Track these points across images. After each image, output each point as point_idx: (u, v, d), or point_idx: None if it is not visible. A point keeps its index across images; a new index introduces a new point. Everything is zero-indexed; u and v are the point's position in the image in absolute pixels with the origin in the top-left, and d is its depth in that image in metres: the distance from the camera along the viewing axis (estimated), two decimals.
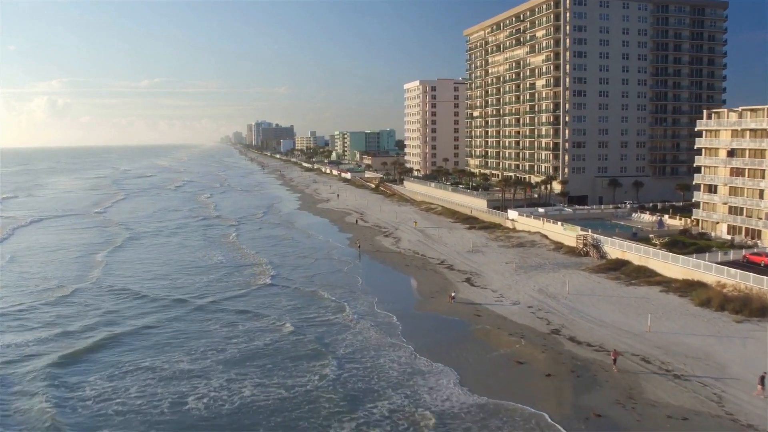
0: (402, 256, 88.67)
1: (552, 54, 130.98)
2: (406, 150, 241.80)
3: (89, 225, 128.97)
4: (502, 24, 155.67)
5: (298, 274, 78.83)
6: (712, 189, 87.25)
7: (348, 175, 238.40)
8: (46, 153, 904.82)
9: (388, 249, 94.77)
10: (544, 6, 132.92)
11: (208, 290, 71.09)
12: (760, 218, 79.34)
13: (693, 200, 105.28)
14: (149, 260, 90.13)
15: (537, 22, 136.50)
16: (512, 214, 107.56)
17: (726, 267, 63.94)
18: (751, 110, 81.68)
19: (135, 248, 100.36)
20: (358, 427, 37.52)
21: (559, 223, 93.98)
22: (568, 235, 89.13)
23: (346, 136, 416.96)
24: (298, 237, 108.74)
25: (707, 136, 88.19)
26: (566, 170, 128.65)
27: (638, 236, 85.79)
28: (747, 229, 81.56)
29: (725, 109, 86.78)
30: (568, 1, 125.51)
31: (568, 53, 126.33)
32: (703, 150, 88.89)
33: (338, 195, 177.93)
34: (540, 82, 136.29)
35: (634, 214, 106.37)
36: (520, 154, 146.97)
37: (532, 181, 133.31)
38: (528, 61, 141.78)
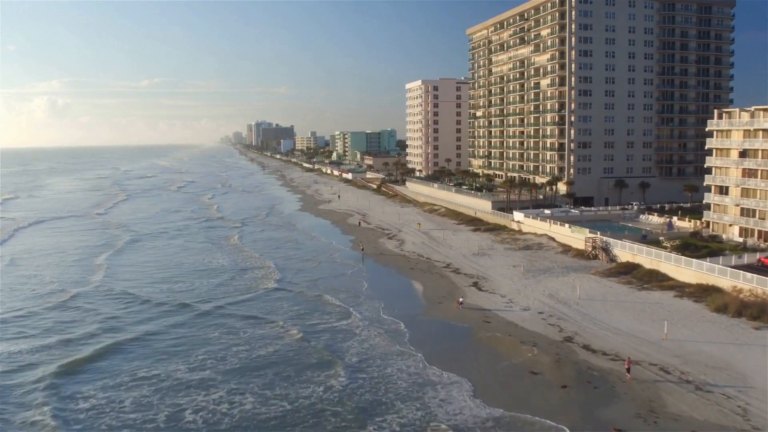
0: (406, 259, 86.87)
1: (557, 53, 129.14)
2: (407, 150, 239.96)
3: (90, 227, 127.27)
4: (505, 23, 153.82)
5: (301, 277, 77.05)
6: (723, 190, 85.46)
7: (349, 176, 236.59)
8: (46, 153, 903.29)
9: (392, 252, 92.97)
10: (549, 4, 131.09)
11: (210, 294, 69.33)
12: None
13: (703, 202, 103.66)
14: (151, 263, 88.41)
15: (542, 20, 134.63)
16: (518, 215, 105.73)
17: (741, 271, 62.13)
18: (765, 110, 79.89)
19: (137, 251, 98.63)
20: None
21: (567, 225, 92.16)
22: (576, 237, 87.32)
23: (346, 136, 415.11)
24: (300, 239, 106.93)
25: (718, 136, 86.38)
26: (572, 171, 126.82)
27: (648, 239, 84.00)
28: (760, 232, 79.78)
29: (737, 109, 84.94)
30: (573, 0, 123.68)
31: (573, 52, 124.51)
32: (714, 150, 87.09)
33: (339, 196, 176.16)
34: (545, 82, 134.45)
35: (641, 216, 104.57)
36: (524, 154, 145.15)
37: (537, 182, 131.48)
38: (532, 61, 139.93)
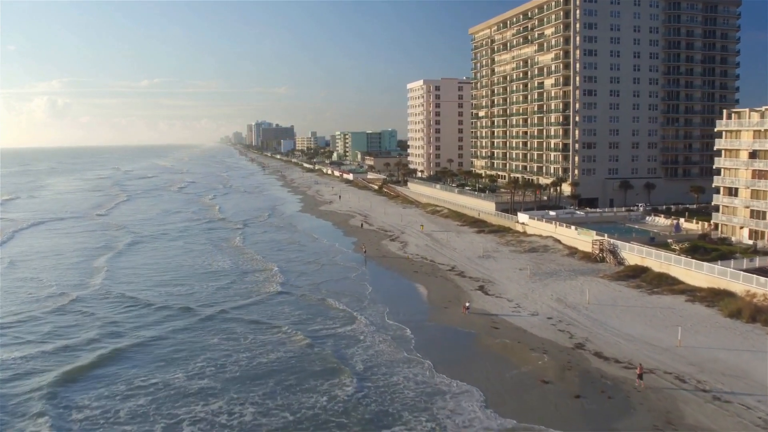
0: (410, 262, 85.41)
1: (561, 52, 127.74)
2: (409, 151, 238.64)
3: (91, 228, 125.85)
4: (509, 22, 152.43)
5: (304, 281, 75.59)
6: (732, 192, 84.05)
7: (350, 176, 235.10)
8: (46, 153, 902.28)
9: (395, 254, 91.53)
10: (553, 3, 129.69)
11: (212, 298, 67.83)
12: None
13: (711, 203, 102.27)
14: (152, 265, 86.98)
15: (546, 19, 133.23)
16: (522, 217, 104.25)
17: (755, 275, 60.63)
18: None
19: (138, 253, 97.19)
20: None
21: (573, 227, 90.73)
22: (582, 239, 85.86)
23: (347, 136, 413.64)
24: (302, 241, 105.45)
25: (727, 137, 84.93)
26: (576, 172, 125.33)
27: (656, 241, 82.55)
28: None
29: (746, 109, 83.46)
30: None
31: (578, 51, 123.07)
32: (723, 151, 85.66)
33: (340, 197, 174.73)
34: (549, 81, 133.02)
35: (648, 218, 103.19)
36: (528, 155, 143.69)
37: (541, 183, 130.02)
38: (536, 60, 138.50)
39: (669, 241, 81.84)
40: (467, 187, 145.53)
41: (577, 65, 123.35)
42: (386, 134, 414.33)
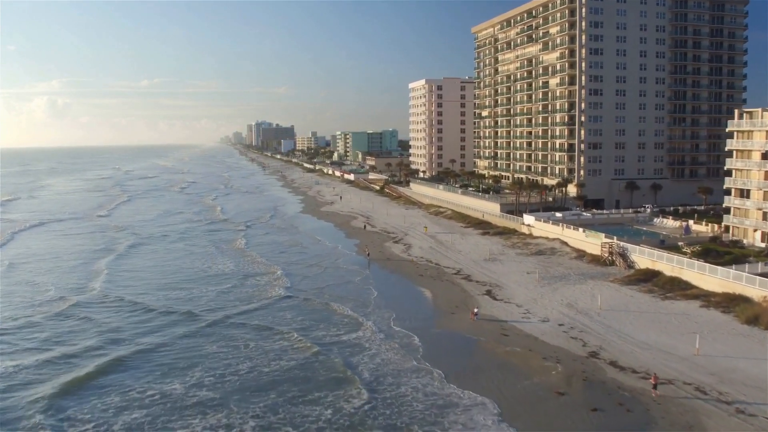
0: (415, 265, 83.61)
1: (567, 51, 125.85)
2: (411, 151, 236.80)
3: (92, 229, 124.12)
4: (512, 20, 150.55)
5: (307, 284, 73.82)
6: (744, 193, 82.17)
7: (351, 177, 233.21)
8: (46, 153, 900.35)
9: (399, 257, 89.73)
10: (558, 2, 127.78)
11: (214, 303, 65.98)
12: None
13: (720, 204, 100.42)
14: (154, 268, 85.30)
15: (551, 18, 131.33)
16: (528, 218, 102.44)
17: None
18: None
19: (140, 255, 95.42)
20: None
21: (581, 229, 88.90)
22: (590, 242, 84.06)
23: (347, 136, 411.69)
24: (304, 243, 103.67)
25: (739, 137, 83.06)
26: (582, 172, 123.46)
27: (666, 244, 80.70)
28: None
29: (759, 109, 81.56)
30: None
31: (583, 50, 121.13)
32: (735, 152, 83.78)
33: (342, 197, 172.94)
34: (554, 81, 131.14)
35: (656, 219, 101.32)
36: (532, 155, 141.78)
37: (546, 184, 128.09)
38: (541, 59, 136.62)
39: (680, 244, 80.00)
40: (471, 188, 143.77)
41: (583, 64, 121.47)
42: (387, 134, 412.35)
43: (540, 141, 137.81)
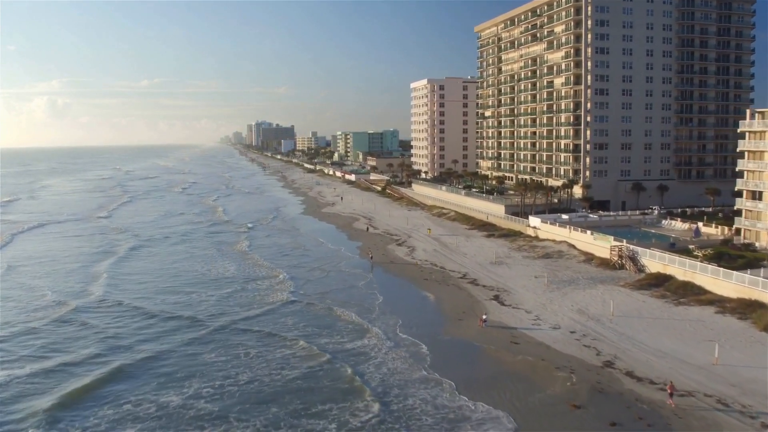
0: (419, 269, 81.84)
1: (572, 50, 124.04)
2: (412, 151, 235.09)
3: (92, 231, 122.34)
4: (516, 19, 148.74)
5: (310, 289, 72.05)
6: (756, 195, 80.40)
7: (352, 177, 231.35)
8: (46, 153, 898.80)
9: (403, 260, 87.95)
10: (564, 0, 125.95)
11: (215, 309, 64.19)
12: None
13: (728, 206, 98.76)
14: (156, 271, 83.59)
15: (555, 16, 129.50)
16: (534, 221, 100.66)
17: None
18: None
19: (140, 258, 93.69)
20: None
21: (588, 231, 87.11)
22: (599, 245, 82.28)
23: (348, 136, 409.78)
24: (307, 245, 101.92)
25: (751, 138, 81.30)
26: (588, 173, 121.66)
27: (676, 247, 78.91)
28: None
29: None
30: None
31: (589, 49, 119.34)
32: (746, 153, 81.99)
33: (342, 198, 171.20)
34: (559, 80, 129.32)
35: (664, 221, 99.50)
36: (537, 155, 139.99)
37: (550, 185, 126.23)
38: (545, 58, 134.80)
39: (690, 247, 78.25)
40: (474, 189, 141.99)
41: (589, 63, 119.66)
42: (388, 134, 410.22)
43: (545, 141, 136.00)
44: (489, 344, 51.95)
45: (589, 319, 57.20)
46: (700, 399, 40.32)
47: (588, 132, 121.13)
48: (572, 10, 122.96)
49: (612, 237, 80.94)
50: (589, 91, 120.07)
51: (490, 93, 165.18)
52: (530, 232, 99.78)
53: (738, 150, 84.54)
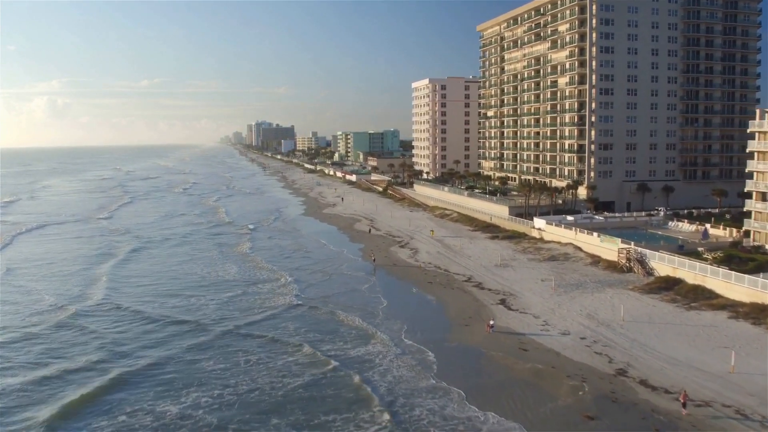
0: (423, 272, 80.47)
1: (576, 50, 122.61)
2: (414, 151, 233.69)
3: (92, 232, 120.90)
4: (520, 18, 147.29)
5: (313, 292, 70.60)
6: (766, 197, 79.00)
7: (353, 178, 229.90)
8: (46, 153, 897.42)
9: (406, 262, 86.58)
10: None
11: (217, 314, 62.67)
12: None
13: (735, 207, 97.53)
14: (157, 274, 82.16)
15: (560, 15, 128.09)
16: (539, 222, 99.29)
17: None
18: None
19: (141, 260, 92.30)
20: None
21: (595, 233, 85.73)
22: (606, 247, 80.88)
23: (348, 136, 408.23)
24: (308, 247, 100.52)
25: (761, 138, 79.89)
26: (592, 174, 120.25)
27: (685, 249, 77.61)
28: None
29: None
30: None
31: (594, 49, 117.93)
32: (756, 154, 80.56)
33: (343, 199, 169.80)
34: (563, 80, 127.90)
35: (670, 223, 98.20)
36: (540, 156, 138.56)
37: (554, 185, 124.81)
38: (549, 58, 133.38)
39: (700, 249, 76.92)
40: (477, 190, 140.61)
41: (593, 63, 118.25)
42: (389, 134, 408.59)
43: (548, 142, 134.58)
44: (497, 351, 50.59)
45: (599, 325, 55.83)
46: (718, 409, 38.97)
47: (592, 132, 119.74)
48: (576, 8, 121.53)
49: (619, 239, 79.58)
50: (593, 90, 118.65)
51: (493, 93, 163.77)
52: (535, 233, 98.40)
53: (747, 151, 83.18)
